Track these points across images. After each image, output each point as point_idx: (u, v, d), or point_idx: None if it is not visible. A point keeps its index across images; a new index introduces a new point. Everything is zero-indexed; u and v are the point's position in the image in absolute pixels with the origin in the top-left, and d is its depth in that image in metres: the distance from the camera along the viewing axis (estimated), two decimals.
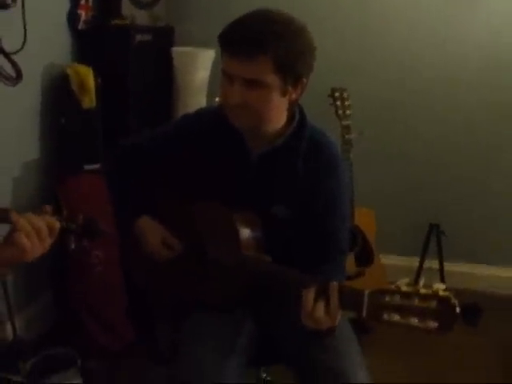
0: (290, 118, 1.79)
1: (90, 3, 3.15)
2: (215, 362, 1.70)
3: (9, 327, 2.76)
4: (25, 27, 2.36)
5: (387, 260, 3.45)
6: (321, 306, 1.50)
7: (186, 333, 1.86)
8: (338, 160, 1.85)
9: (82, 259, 2.88)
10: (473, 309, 3.10)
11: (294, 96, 1.71)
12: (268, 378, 2.38)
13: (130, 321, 2.99)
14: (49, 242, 1.34)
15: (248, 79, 1.62)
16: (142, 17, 3.47)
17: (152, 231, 1.95)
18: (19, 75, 2.45)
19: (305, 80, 1.70)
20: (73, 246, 1.44)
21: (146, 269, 2.05)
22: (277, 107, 1.72)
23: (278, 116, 1.76)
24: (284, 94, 1.68)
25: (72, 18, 3.08)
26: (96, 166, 2.93)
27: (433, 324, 1.35)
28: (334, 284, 1.49)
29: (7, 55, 2.39)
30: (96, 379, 2.73)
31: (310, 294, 1.51)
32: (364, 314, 1.42)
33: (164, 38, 3.52)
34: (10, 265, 1.37)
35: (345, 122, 2.98)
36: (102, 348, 2.94)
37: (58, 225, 1.36)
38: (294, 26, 1.64)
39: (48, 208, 1.38)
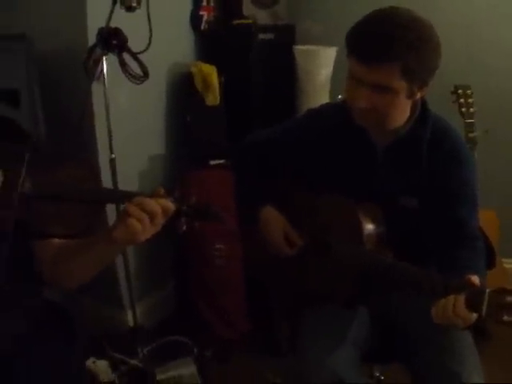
0: (413, 107, 1.76)
1: (212, 4, 3.25)
2: (328, 353, 1.70)
3: (130, 313, 2.88)
4: (150, 28, 2.44)
5: (510, 265, 3.32)
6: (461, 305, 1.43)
7: (303, 325, 1.88)
8: (464, 146, 1.81)
9: (204, 251, 2.97)
10: None
11: (418, 96, 1.68)
12: (381, 377, 2.36)
13: (247, 312, 3.05)
14: (161, 222, 1.36)
15: (376, 84, 1.59)
16: (263, 16, 3.52)
17: (275, 223, 1.98)
18: (146, 74, 2.55)
19: (430, 81, 1.66)
20: (184, 228, 1.42)
21: (266, 261, 2.09)
22: (402, 109, 1.70)
23: (402, 115, 1.74)
24: (410, 96, 1.65)
25: (195, 19, 3.20)
26: (221, 162, 2.99)
27: None
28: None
29: (134, 55, 2.50)
30: (210, 368, 2.79)
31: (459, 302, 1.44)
32: (483, 313, 1.38)
33: (285, 37, 3.53)
34: (124, 244, 1.41)
35: (469, 120, 2.89)
36: (218, 338, 3.01)
37: (171, 206, 1.36)
38: (425, 32, 1.57)
39: (160, 190, 1.39)
